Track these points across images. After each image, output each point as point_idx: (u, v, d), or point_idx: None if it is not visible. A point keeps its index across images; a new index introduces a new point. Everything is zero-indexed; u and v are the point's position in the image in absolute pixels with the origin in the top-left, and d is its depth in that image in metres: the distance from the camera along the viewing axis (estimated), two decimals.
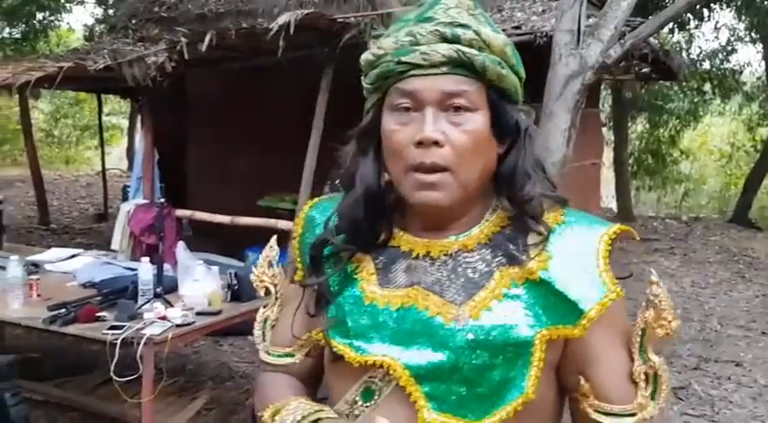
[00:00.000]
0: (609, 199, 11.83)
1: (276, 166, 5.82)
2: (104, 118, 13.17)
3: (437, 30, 0.91)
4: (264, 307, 1.15)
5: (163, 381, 3.02)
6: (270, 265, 1.14)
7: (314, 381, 1.11)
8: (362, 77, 0.98)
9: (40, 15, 13.33)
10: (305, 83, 4.81)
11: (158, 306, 2.93)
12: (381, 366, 0.93)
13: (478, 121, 0.93)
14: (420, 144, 0.91)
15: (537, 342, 0.90)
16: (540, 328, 0.91)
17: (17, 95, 8.86)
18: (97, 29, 11.60)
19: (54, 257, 3.92)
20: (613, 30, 3.81)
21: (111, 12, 11.48)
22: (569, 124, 3.86)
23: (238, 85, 6.42)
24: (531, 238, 0.95)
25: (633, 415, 0.92)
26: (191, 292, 3.11)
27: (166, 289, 3.12)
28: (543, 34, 4.91)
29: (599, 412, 0.93)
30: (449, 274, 0.95)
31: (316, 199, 1.13)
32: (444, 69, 0.91)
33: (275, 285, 1.13)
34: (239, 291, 3.20)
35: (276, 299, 1.14)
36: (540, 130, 0.98)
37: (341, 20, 4.54)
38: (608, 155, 11.16)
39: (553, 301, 0.91)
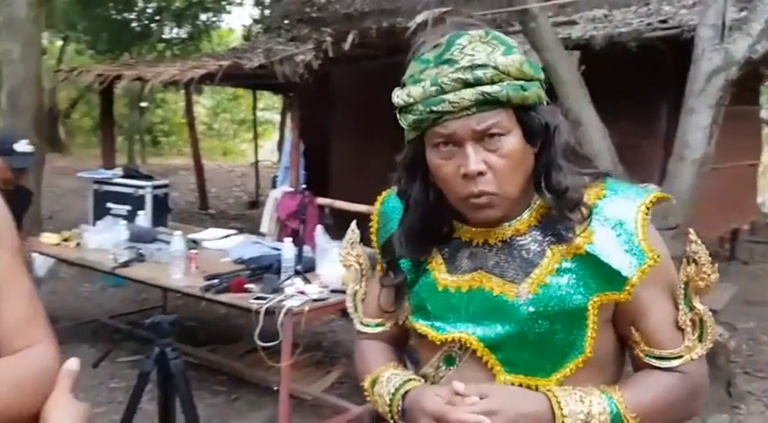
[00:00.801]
0: None
1: None
2: (258, 113, 14.04)
3: (459, 78, 0.99)
4: (353, 283, 1.32)
5: (298, 351, 3.31)
6: (353, 246, 1.30)
7: (403, 344, 1.28)
8: (397, 114, 1.07)
9: (203, 17, 14.47)
10: None
11: (298, 282, 3.23)
12: (459, 341, 1.08)
13: (512, 141, 1.02)
14: (466, 176, 1.02)
15: (590, 308, 1.03)
16: (591, 295, 1.03)
17: (183, 91, 9.79)
18: (254, 29, 12.35)
19: (211, 236, 4.38)
20: (764, 24, 3.63)
21: (267, 12, 12.18)
22: (711, 121, 3.73)
23: (378, 82, 6.60)
24: (576, 217, 1.05)
25: (681, 357, 1.05)
26: (327, 271, 3.38)
27: (305, 268, 3.41)
28: (691, 28, 4.73)
29: (649, 356, 1.07)
30: (506, 257, 1.08)
31: (384, 193, 1.26)
32: (473, 110, 0.99)
33: (360, 264, 1.29)
34: None
35: (362, 275, 1.29)
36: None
37: (477, 17, 4.64)
38: None
39: (600, 271, 1.03)
